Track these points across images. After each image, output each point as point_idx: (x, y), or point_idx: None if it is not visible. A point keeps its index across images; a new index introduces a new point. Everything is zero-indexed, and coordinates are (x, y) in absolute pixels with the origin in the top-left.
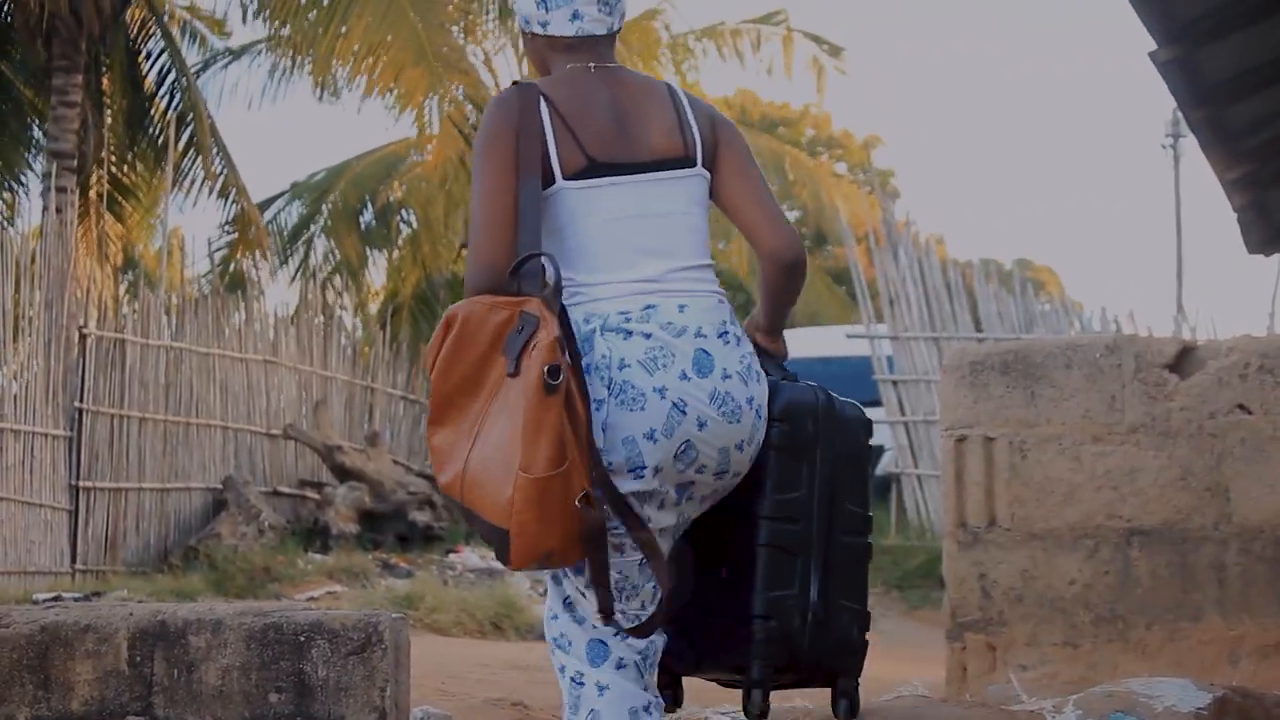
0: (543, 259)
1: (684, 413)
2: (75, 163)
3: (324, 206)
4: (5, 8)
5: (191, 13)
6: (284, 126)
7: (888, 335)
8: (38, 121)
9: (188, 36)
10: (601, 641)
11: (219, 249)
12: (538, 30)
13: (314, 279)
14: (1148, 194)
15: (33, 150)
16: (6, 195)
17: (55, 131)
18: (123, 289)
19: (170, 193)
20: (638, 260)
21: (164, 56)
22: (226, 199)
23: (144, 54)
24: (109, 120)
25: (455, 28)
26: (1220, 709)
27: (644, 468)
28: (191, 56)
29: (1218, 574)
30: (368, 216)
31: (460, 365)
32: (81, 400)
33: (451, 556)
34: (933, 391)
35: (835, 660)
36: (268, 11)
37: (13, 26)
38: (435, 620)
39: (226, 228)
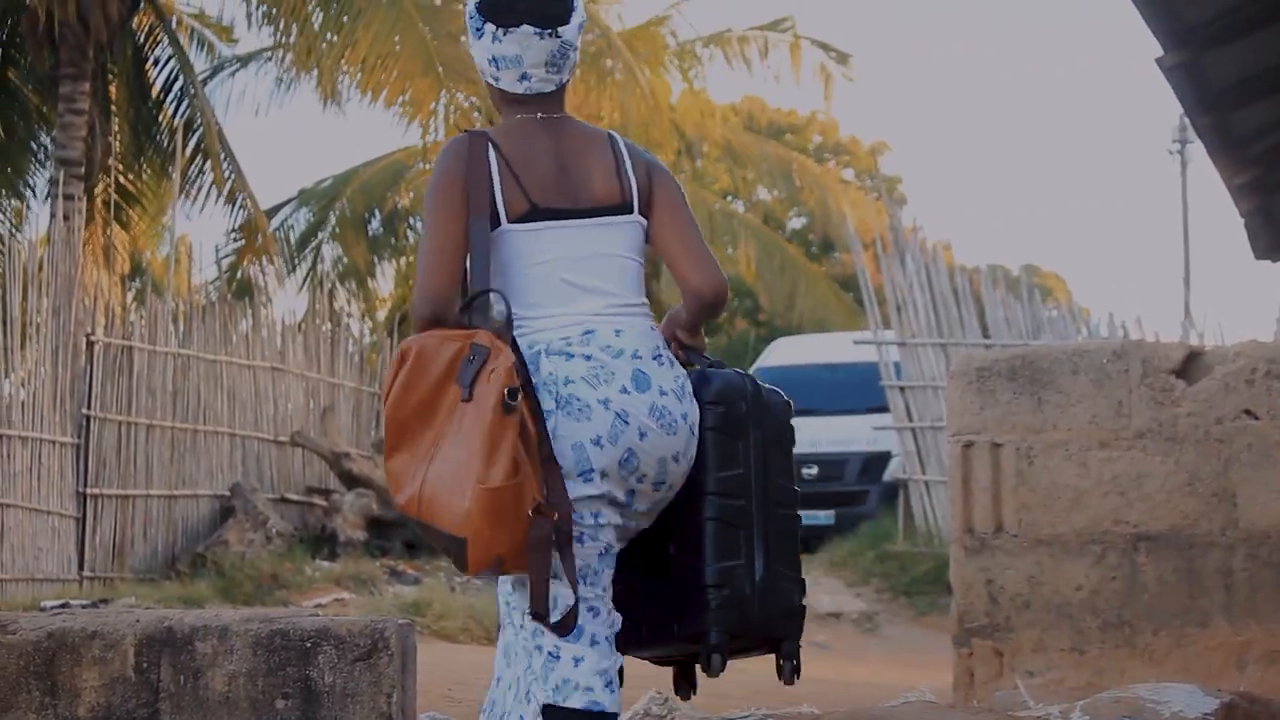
0: (492, 295)
1: (626, 423)
2: (83, 170)
3: (331, 214)
4: (12, 15)
5: (199, 20)
6: (291, 133)
7: (895, 341)
8: (45, 129)
9: (195, 43)
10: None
11: (226, 256)
12: (491, 83)
13: (322, 286)
14: (1155, 199)
15: (40, 157)
16: (14, 203)
17: (63, 139)
18: (130, 296)
19: (178, 199)
20: (576, 297)
21: (171, 63)
22: (234, 205)
23: (151, 61)
24: (116, 127)
25: (464, 37)
26: (1227, 714)
27: (592, 471)
28: (199, 63)
29: (1225, 579)
30: (375, 224)
31: (416, 394)
32: (89, 407)
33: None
34: (940, 398)
35: (781, 625)
36: (278, 19)
37: (20, 33)
38: (442, 627)
39: (234, 235)
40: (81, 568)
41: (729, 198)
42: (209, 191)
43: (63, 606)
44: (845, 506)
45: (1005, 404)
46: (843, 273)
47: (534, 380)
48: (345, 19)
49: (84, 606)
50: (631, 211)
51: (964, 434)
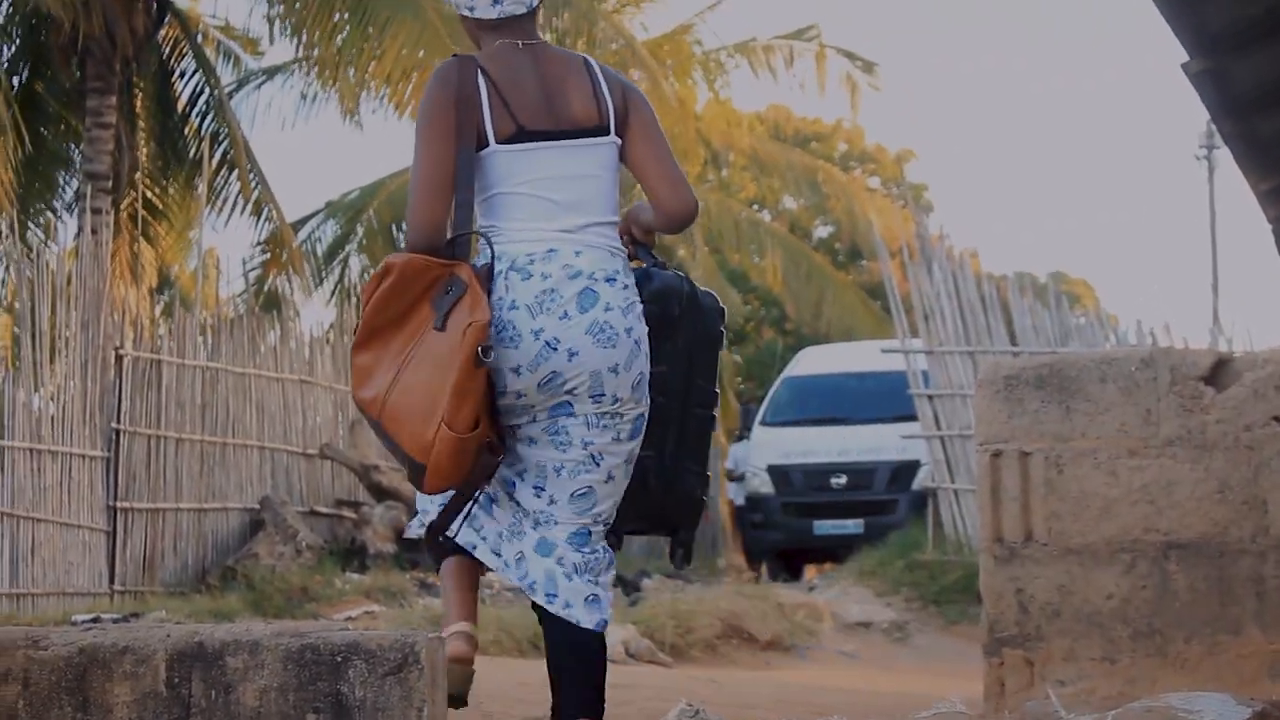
0: (481, 240)
1: (554, 349)
2: (110, 183)
3: (359, 225)
4: (40, 29)
5: (225, 32)
6: (318, 145)
7: (923, 350)
8: (73, 142)
9: (221, 56)
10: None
11: (253, 269)
12: (466, 13)
13: (349, 298)
14: (1182, 206)
15: (67, 171)
16: (43, 216)
17: (90, 153)
18: (158, 309)
19: (205, 212)
20: (554, 214)
21: (197, 76)
22: (260, 218)
23: (177, 74)
24: (142, 141)
25: None
26: None
27: (504, 391)
28: (225, 76)
29: (1256, 587)
30: (403, 235)
31: (393, 305)
32: (118, 421)
33: (489, 575)
34: (968, 406)
35: (679, 512)
36: (304, 32)
37: (47, 47)
38: None
39: (260, 247)
40: (112, 582)
41: (755, 207)
42: (235, 204)
43: (94, 621)
44: (874, 515)
45: (1033, 412)
46: (870, 281)
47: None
48: (370, 30)
49: (115, 620)
50: (609, 133)
51: (992, 443)
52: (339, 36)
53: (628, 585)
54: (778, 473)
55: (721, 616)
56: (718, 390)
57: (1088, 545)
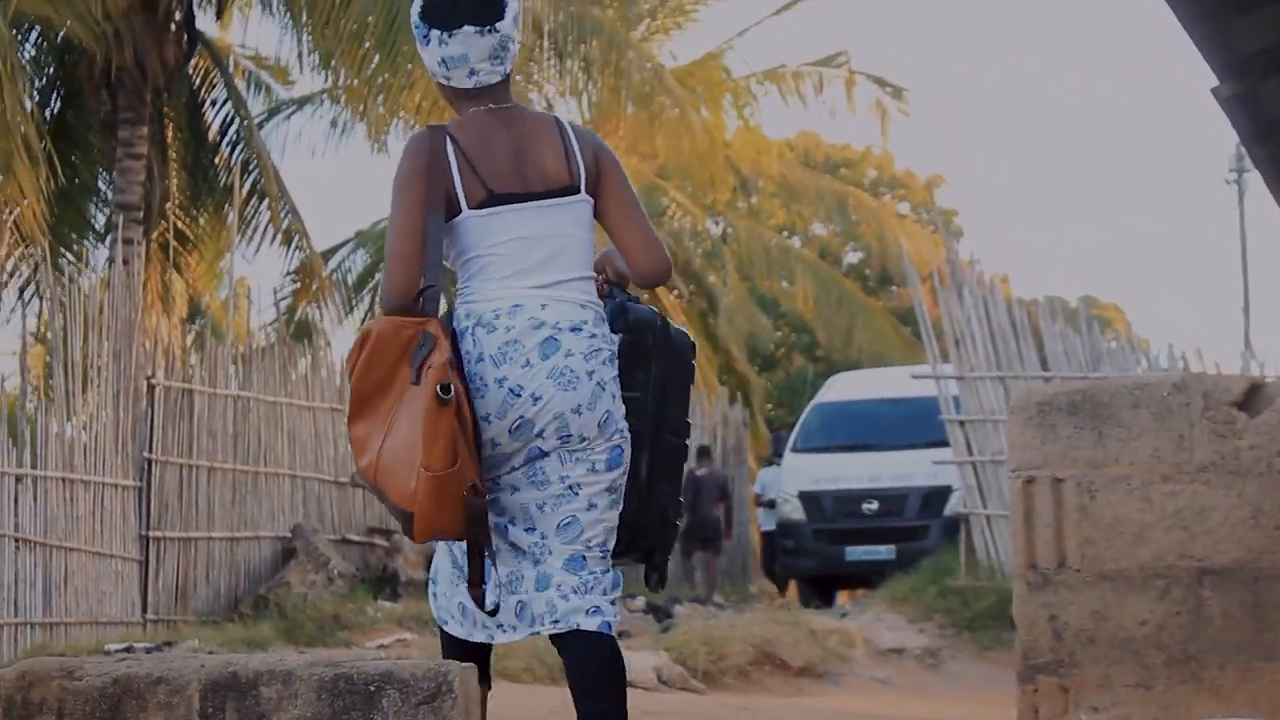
0: (439, 289)
1: (518, 396)
2: (141, 214)
3: None
4: (71, 60)
5: (255, 62)
6: (348, 174)
7: (954, 375)
8: (104, 172)
9: (251, 86)
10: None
11: (284, 298)
12: (443, 82)
13: None
14: (1213, 229)
15: (99, 201)
16: (75, 247)
17: (121, 184)
18: (189, 339)
19: (236, 242)
20: (528, 272)
21: (227, 106)
22: (290, 246)
23: (208, 104)
24: (173, 170)
25: (518, 77)
26: None
27: (481, 441)
28: (256, 106)
29: None
30: None
31: (375, 371)
32: (150, 450)
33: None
34: (1000, 431)
35: (653, 535)
36: (334, 62)
37: (79, 78)
38: (505, 667)
39: (291, 276)
40: (145, 611)
41: (785, 233)
42: (266, 233)
43: (126, 650)
44: (906, 541)
45: (1066, 438)
46: (900, 306)
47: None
48: (399, 60)
49: (148, 650)
50: (579, 192)
51: (1025, 469)
52: (369, 67)
53: (659, 612)
54: (809, 499)
55: (754, 643)
56: (689, 421)
57: (1121, 571)
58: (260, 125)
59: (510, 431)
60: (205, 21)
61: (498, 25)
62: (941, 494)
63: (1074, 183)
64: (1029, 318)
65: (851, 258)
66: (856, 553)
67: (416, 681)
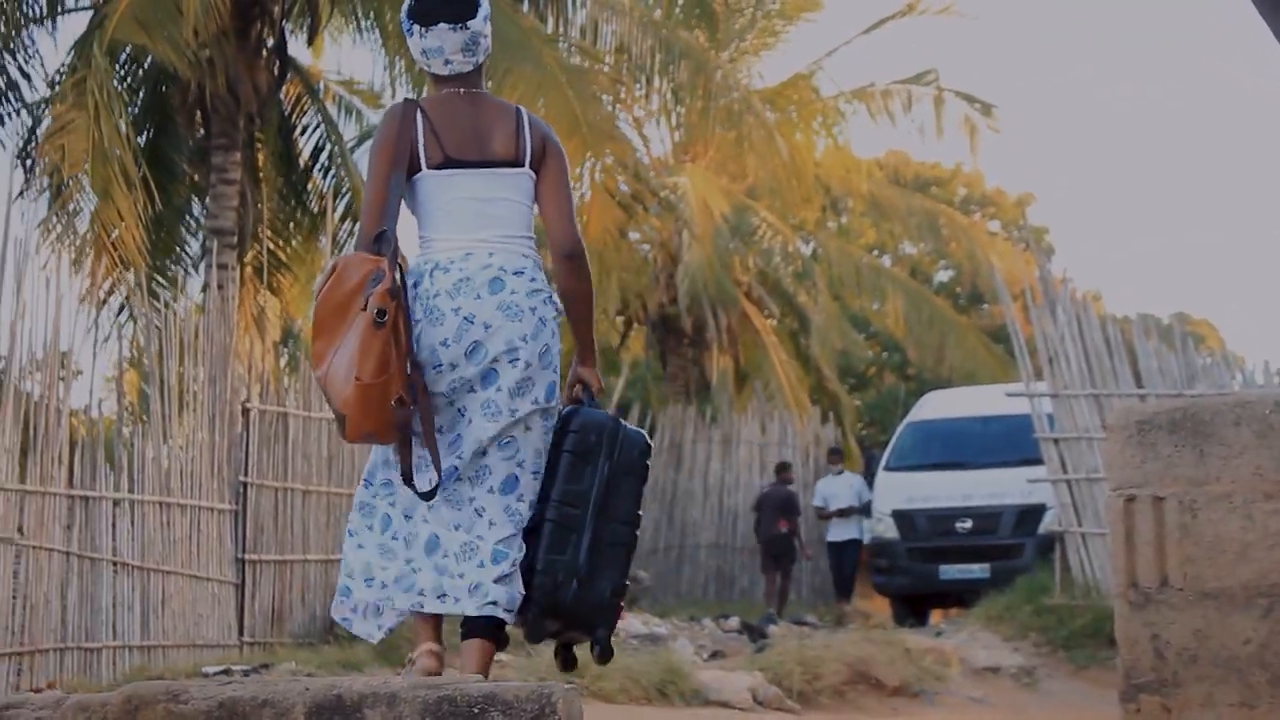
0: (389, 233)
1: (471, 323)
2: (235, 239)
3: None
4: (163, 87)
5: (346, 87)
6: None
7: (1048, 393)
8: (197, 198)
9: (342, 111)
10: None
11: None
12: (425, 67)
13: None
14: None
15: (191, 227)
16: (168, 272)
17: (215, 209)
18: (283, 362)
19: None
20: (475, 227)
21: (319, 131)
22: None
23: (299, 129)
24: (265, 195)
25: (607, 97)
26: None
27: (440, 365)
28: (347, 131)
29: None
30: None
31: (334, 298)
32: (246, 474)
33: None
34: (1094, 449)
35: (594, 614)
36: (422, 86)
37: (171, 105)
38: (600, 688)
39: None
40: (241, 634)
41: (875, 252)
42: None
43: (224, 672)
44: (1000, 560)
45: (1166, 457)
46: (991, 325)
47: (415, 291)
48: (489, 82)
49: (244, 672)
50: (522, 166)
51: (1125, 487)
52: None
53: (754, 631)
54: (902, 518)
55: (849, 662)
56: (641, 512)
57: (1224, 590)
58: (352, 150)
59: (466, 354)
60: (296, 47)
61: (469, 23)
62: (1036, 512)
63: (1165, 198)
64: (1122, 335)
65: (942, 276)
66: (950, 571)
67: (520, 703)
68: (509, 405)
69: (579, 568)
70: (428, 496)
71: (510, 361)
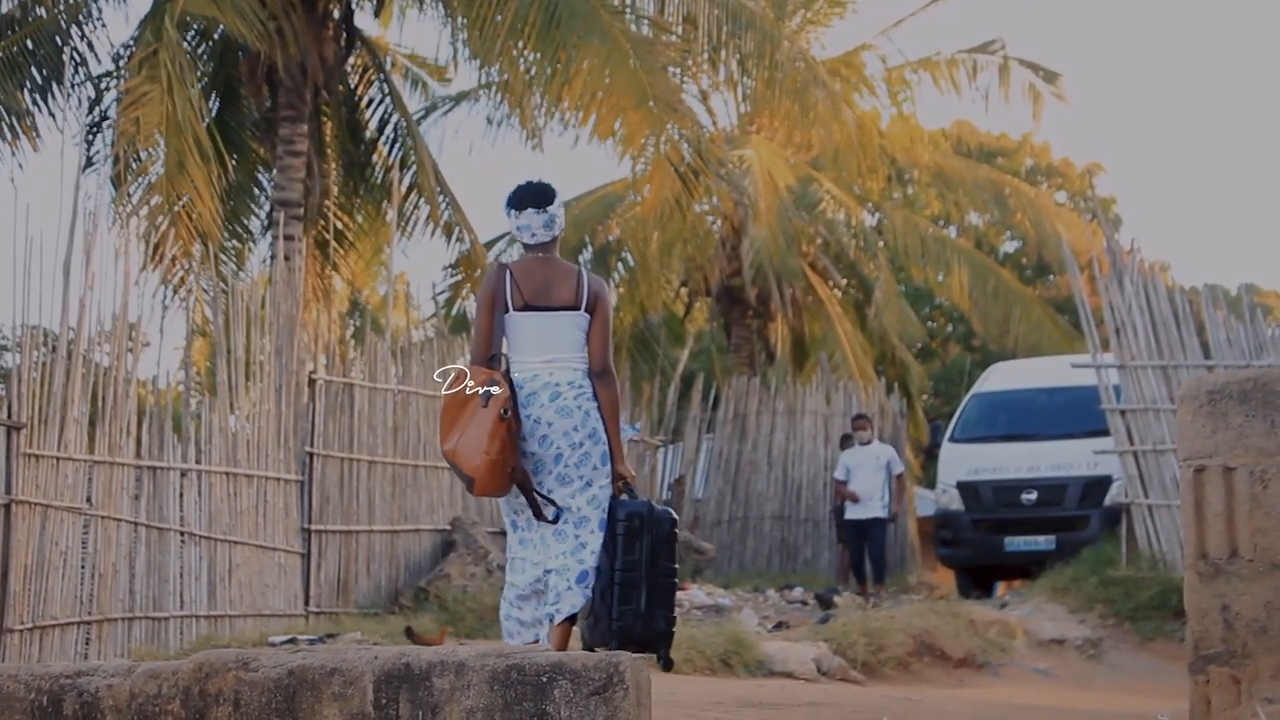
0: (500, 354)
1: (538, 423)
2: (301, 211)
3: None
4: (229, 60)
5: (413, 60)
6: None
7: (1115, 365)
8: (263, 170)
9: (409, 83)
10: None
11: (442, 292)
12: (518, 237)
13: None
14: None
15: (256, 199)
16: (236, 244)
17: (281, 180)
18: (348, 333)
19: (396, 238)
20: (542, 350)
21: (385, 104)
22: (450, 238)
23: (365, 102)
24: (331, 167)
25: (674, 69)
26: None
27: (526, 453)
28: (413, 103)
29: None
30: (587, 255)
31: (459, 395)
32: (312, 445)
33: (679, 594)
34: (1162, 421)
35: (656, 640)
36: (491, 59)
37: (236, 78)
38: None
39: (451, 270)
40: (307, 603)
41: (940, 223)
42: (423, 228)
43: (290, 642)
44: (1066, 532)
45: (1237, 427)
46: (1056, 296)
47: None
48: (558, 56)
49: (311, 641)
50: (579, 310)
51: (1195, 458)
52: (525, 62)
53: (820, 600)
54: (968, 489)
55: (913, 634)
56: (677, 566)
57: None
58: (418, 122)
59: (539, 442)
60: (364, 19)
61: (548, 208)
62: (1102, 484)
63: (1233, 168)
64: (1190, 306)
65: (1008, 247)
66: (1016, 543)
67: (588, 672)
68: (576, 473)
69: (641, 612)
70: (555, 521)
71: (569, 445)
